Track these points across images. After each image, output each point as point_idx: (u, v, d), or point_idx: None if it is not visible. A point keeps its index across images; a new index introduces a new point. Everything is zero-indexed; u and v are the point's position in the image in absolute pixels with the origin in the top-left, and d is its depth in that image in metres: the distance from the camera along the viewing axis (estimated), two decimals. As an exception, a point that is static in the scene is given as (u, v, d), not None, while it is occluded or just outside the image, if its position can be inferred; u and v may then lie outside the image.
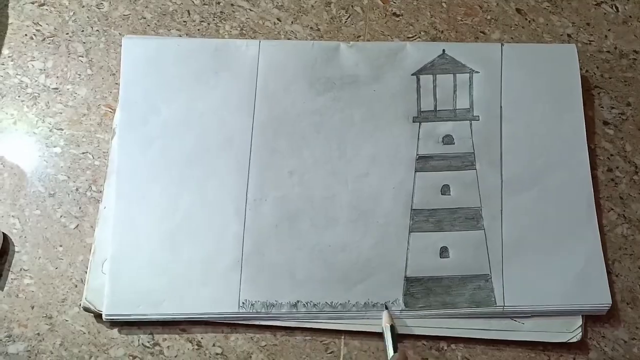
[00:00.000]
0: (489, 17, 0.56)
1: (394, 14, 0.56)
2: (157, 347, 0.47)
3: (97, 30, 0.55)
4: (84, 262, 0.49)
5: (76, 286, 0.48)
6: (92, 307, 0.47)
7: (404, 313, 0.47)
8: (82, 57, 0.55)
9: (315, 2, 0.57)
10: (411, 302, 0.47)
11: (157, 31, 0.55)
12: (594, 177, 0.51)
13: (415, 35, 0.56)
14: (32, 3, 0.56)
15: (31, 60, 0.54)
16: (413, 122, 0.51)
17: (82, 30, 0.55)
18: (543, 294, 0.47)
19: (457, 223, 0.49)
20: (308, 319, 0.47)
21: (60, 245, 0.49)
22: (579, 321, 0.47)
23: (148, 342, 0.47)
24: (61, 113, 0.53)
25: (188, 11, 0.56)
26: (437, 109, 0.52)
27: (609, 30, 0.57)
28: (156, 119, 0.51)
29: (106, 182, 0.50)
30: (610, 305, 0.47)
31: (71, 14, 0.56)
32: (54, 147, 0.52)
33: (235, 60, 0.52)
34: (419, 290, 0.48)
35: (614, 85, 0.55)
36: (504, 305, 0.47)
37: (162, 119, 0.51)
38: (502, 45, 0.53)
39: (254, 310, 0.47)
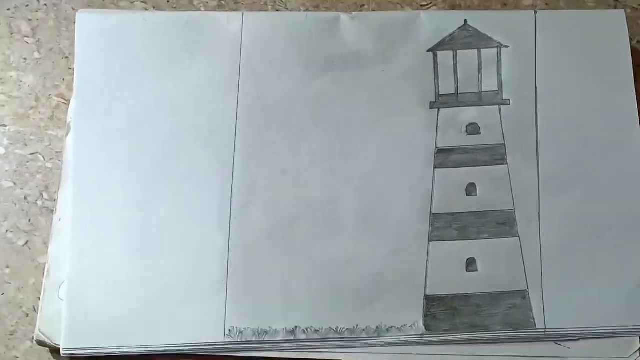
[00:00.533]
0: (518, -21, 0.56)
1: (404, -23, 0.57)
2: (127, 387, 0.47)
3: (45, 4, 0.55)
4: (36, 286, 0.49)
5: (27, 315, 0.48)
6: (47, 341, 0.47)
7: (425, 338, 0.47)
8: (28, 37, 0.55)
9: (309, -36, 0.56)
10: (433, 325, 0.47)
11: (118, 4, 0.55)
12: (650, 171, 0.51)
13: (431, 3, 0.56)
14: (-34, -28, 0.56)
15: (-35, 43, 0.54)
16: (430, 108, 0.51)
17: (27, 5, 0.55)
18: (592, 312, 0.47)
19: (486, 229, 0.49)
20: (309, 348, 0.47)
21: (7, 267, 0.50)
22: (637, 344, 0.47)
23: (116, 381, 0.47)
24: (3, 106, 0.53)
25: (155, -21, 0.56)
26: (459, 92, 0.51)
27: (663, -8, 0.56)
28: (120, 110, 0.51)
29: (61, 189, 0.50)
30: (672, 325, 0.47)
31: (13, -16, 0.56)
32: (-3, 147, 0.52)
33: (214, 36, 0.52)
34: (442, 310, 0.48)
35: (670, 58, 0.54)
36: (546, 328, 0.47)
37: (127, 110, 0.51)
38: (536, 12, 0.53)
39: (243, 340, 0.47)
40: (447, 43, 0.52)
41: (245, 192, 0.49)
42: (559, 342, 0.47)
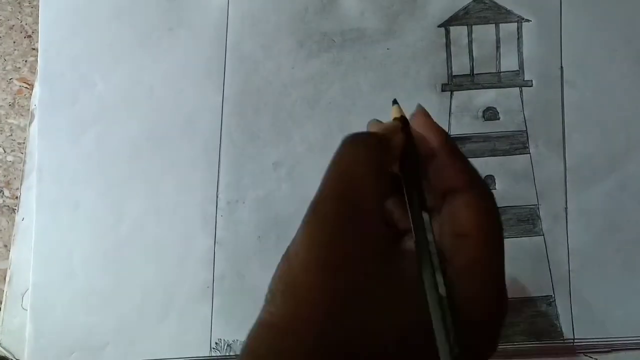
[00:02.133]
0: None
1: (412, -56, 0.56)
2: (100, 409, 0.47)
3: (5, -24, 0.55)
4: (-4, 294, 0.49)
5: (-14, 328, 0.48)
6: (9, 356, 0.47)
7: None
8: (-14, 13, 0.54)
9: None
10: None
11: (88, -25, 0.55)
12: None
13: (442, -27, 0.55)
14: None
15: None
16: (442, 90, 0.51)
17: (-15, -23, 0.55)
18: (625, 321, 0.47)
19: (506, 227, 0.49)
20: (306, 363, 0.47)
21: (-37, 273, 0.49)
22: (676, 356, 0.47)
23: (87, 402, 0.47)
24: (-41, 91, 0.53)
25: (130, -53, 0.55)
26: (475, 73, 0.51)
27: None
28: (90, 96, 0.51)
29: (24, 185, 0.50)
30: None
31: (-31, -46, 0.55)
32: (-49, 137, 0.52)
33: (196, 12, 0.52)
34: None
35: None
36: (574, 338, 0.47)
37: (98, 96, 0.51)
38: (561, -18, 0.53)
39: (231, 354, 0.47)
40: (460, 17, 0.52)
41: (233, 188, 0.50)
42: (588, 354, 0.47)
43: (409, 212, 0.31)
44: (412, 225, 0.31)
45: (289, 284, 0.29)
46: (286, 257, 0.30)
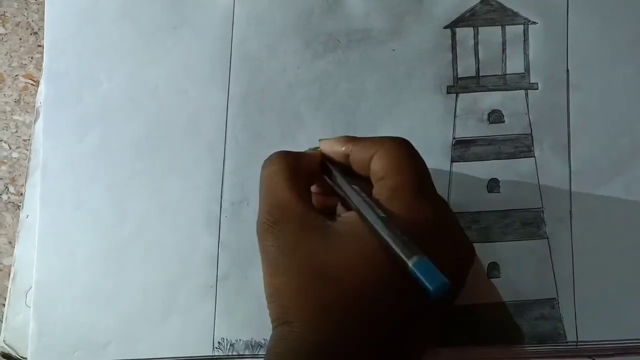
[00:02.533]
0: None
1: (419, -55, 0.56)
2: (102, 407, 0.47)
3: (12, -27, 0.55)
4: (0, 291, 0.49)
5: (-10, 325, 0.48)
6: (12, 353, 0.47)
7: (441, 353, 0.47)
8: (-8, 10, 0.55)
9: None
10: (452, 336, 0.47)
11: (95, -26, 0.55)
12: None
13: (448, -26, 0.55)
14: None
15: None
16: (447, 93, 0.51)
17: (-9, -26, 0.56)
18: (629, 324, 0.47)
19: (511, 230, 0.49)
20: (308, 363, 0.47)
21: (-33, 270, 0.49)
22: (681, 361, 0.47)
23: (90, 400, 0.47)
24: (-36, 88, 0.53)
25: (136, -54, 0.55)
26: (480, 75, 0.51)
27: None
28: (95, 95, 0.51)
29: (28, 182, 0.50)
30: None
31: (-25, -49, 0.56)
32: (-44, 134, 0.52)
33: (202, 11, 0.52)
34: (461, 322, 0.47)
35: None
36: (578, 341, 0.47)
37: (103, 95, 0.51)
38: (568, -16, 0.53)
39: (234, 353, 0.47)
40: (466, 19, 0.52)
41: (237, 188, 0.49)
42: (592, 357, 0.47)
43: (339, 192, 0.41)
44: (341, 191, 0.40)
45: (269, 295, 0.38)
46: (263, 276, 0.39)
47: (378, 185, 0.39)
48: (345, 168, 0.42)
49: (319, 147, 0.44)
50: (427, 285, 0.33)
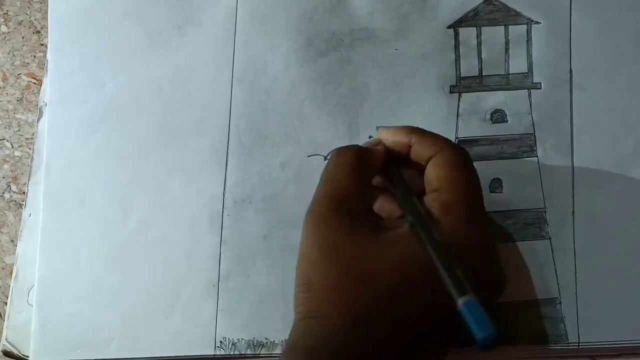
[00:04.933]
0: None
1: (422, -56, 0.56)
2: (104, 406, 0.47)
3: (15, -28, 0.56)
4: (2, 289, 0.49)
5: (-8, 323, 0.49)
6: (14, 351, 0.47)
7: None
8: (-4, 9, 0.55)
9: None
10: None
11: (98, -27, 0.55)
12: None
13: (452, -26, 0.55)
14: None
15: None
16: (450, 92, 0.51)
17: (-5, -27, 0.56)
18: (631, 325, 0.47)
19: (513, 231, 0.49)
20: (310, 363, 0.47)
21: (-30, 268, 0.49)
22: (683, 362, 0.47)
23: (92, 398, 0.47)
24: (-33, 86, 0.53)
25: (140, -56, 0.55)
26: (483, 75, 0.51)
27: None
28: (99, 95, 0.51)
29: (31, 181, 0.50)
30: None
31: (-21, -50, 0.56)
32: (-41, 133, 0.52)
33: (205, 11, 0.52)
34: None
35: None
36: (579, 342, 0.47)
37: (107, 95, 0.51)
38: (571, -16, 0.53)
39: (235, 353, 0.47)
40: (469, 19, 0.52)
41: (240, 187, 0.49)
42: (594, 358, 0.47)
43: (396, 195, 0.40)
44: (401, 202, 0.39)
45: (303, 283, 0.38)
46: (299, 258, 0.39)
47: (431, 196, 0.39)
48: (406, 159, 0.41)
49: (375, 137, 0.44)
50: (476, 332, 0.34)
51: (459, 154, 0.40)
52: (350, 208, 0.38)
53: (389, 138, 0.42)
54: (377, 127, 0.43)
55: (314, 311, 0.37)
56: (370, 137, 0.44)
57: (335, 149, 0.42)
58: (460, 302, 0.34)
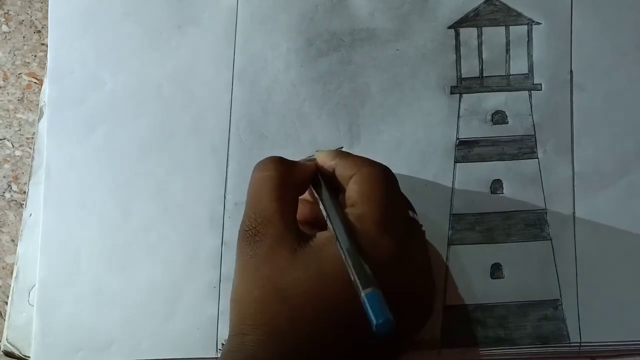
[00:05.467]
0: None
1: (423, -56, 0.56)
2: (105, 407, 0.47)
3: (15, -29, 0.55)
4: (2, 289, 0.49)
5: (-7, 323, 0.48)
6: (15, 351, 0.47)
7: (443, 354, 0.47)
8: (-5, 9, 0.55)
9: None
10: (453, 338, 0.47)
11: (98, -27, 0.55)
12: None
13: (452, -26, 0.55)
14: None
15: None
16: (451, 93, 0.51)
17: (-5, -28, 0.56)
18: (632, 325, 0.47)
19: (514, 232, 0.49)
20: (312, 364, 0.47)
21: (-30, 268, 0.49)
22: (683, 362, 0.47)
23: (93, 399, 0.47)
24: (-33, 86, 0.53)
25: (140, -56, 0.55)
26: (484, 75, 0.51)
27: None
28: (99, 95, 0.51)
29: (32, 181, 0.50)
30: None
31: (-22, -51, 0.56)
32: (-41, 133, 0.52)
33: (206, 10, 0.52)
34: (464, 322, 0.47)
35: None
36: (581, 342, 0.47)
37: (107, 95, 0.51)
38: (572, -15, 0.52)
39: (237, 354, 0.47)
40: (470, 19, 0.52)
41: (241, 188, 0.49)
42: (595, 359, 0.47)
43: (321, 205, 0.40)
44: (324, 212, 0.40)
45: (232, 300, 0.39)
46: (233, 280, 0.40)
47: (348, 211, 0.39)
48: (334, 182, 0.42)
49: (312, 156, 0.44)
50: (372, 318, 0.34)
51: (377, 171, 0.41)
52: (273, 226, 0.38)
53: (319, 160, 0.43)
54: (315, 151, 0.44)
55: (236, 329, 0.38)
56: (312, 155, 0.45)
57: (259, 161, 0.42)
58: (363, 294, 0.34)
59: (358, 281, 0.35)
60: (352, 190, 0.40)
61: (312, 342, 0.36)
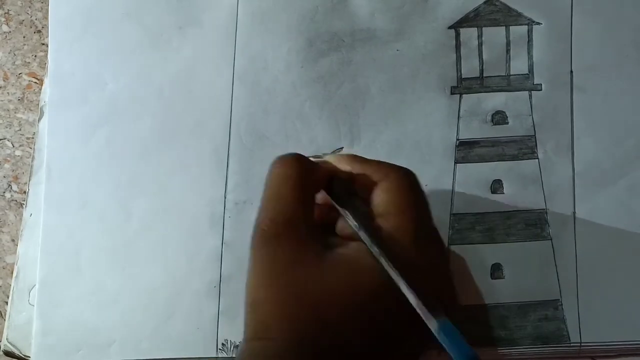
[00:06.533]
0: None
1: (423, -55, 0.56)
2: (105, 407, 0.47)
3: (16, -29, 0.55)
4: (3, 289, 0.49)
5: (-7, 323, 0.48)
6: (15, 351, 0.47)
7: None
8: (-4, 8, 0.55)
9: None
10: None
11: (99, -27, 0.55)
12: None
13: (452, -26, 0.55)
14: None
15: None
16: (451, 93, 0.51)
17: (-5, -28, 0.55)
18: (632, 325, 0.47)
19: (514, 232, 0.49)
20: (313, 364, 0.47)
21: (-29, 268, 0.49)
22: (683, 362, 0.47)
23: (93, 399, 0.47)
24: (-32, 86, 0.53)
25: (140, -56, 0.55)
26: (484, 76, 0.51)
27: None
28: (100, 95, 0.51)
29: (32, 180, 0.50)
30: None
31: (-21, -51, 0.56)
32: (-41, 133, 0.52)
33: (206, 11, 0.52)
34: (464, 322, 0.46)
35: None
36: (581, 342, 0.47)
37: (108, 95, 0.51)
38: (572, -15, 0.52)
39: (237, 354, 0.47)
40: (470, 19, 0.52)
41: (241, 188, 0.49)
42: (595, 359, 0.47)
43: (345, 213, 0.38)
44: (352, 221, 0.38)
45: (250, 303, 0.36)
46: (247, 276, 0.37)
47: (380, 222, 0.38)
48: (349, 186, 0.40)
49: (321, 157, 0.43)
50: (454, 354, 0.33)
51: (405, 177, 0.39)
52: (296, 229, 0.37)
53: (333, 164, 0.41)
54: (323, 154, 0.43)
55: (259, 333, 0.35)
56: (315, 156, 0.43)
57: (277, 157, 0.39)
58: (436, 325, 0.33)
59: (425, 309, 0.34)
60: (382, 199, 0.38)
61: (340, 352, 0.35)
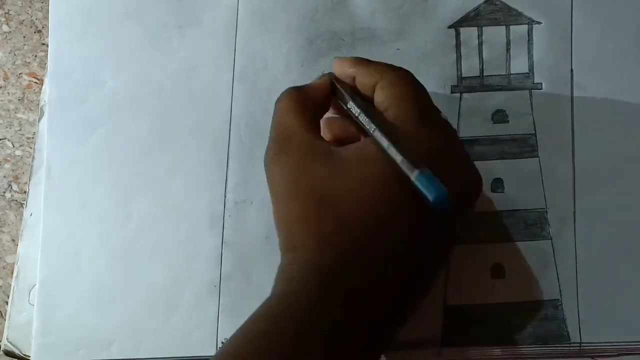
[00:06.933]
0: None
1: (423, -56, 0.55)
2: (105, 406, 0.47)
3: (16, -29, 0.55)
4: (3, 288, 0.49)
5: (-7, 323, 0.48)
6: (15, 351, 0.47)
7: (443, 353, 0.47)
8: (-4, 8, 0.55)
9: None
10: (453, 338, 0.47)
11: (99, -27, 0.55)
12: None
13: (453, -26, 0.55)
14: None
15: None
16: (451, 92, 0.51)
17: (-5, -28, 0.55)
18: (632, 325, 0.47)
19: (514, 231, 0.49)
20: (312, 363, 0.47)
21: (-29, 268, 0.49)
22: (684, 362, 0.47)
23: (93, 399, 0.47)
24: (-32, 86, 0.53)
25: (140, -56, 0.55)
26: (484, 75, 0.51)
27: None
28: (100, 95, 0.51)
29: (32, 180, 0.50)
30: None
31: (-21, -51, 0.56)
32: (-41, 132, 0.52)
33: (206, 11, 0.52)
34: (464, 322, 0.47)
35: None
36: (581, 342, 0.47)
37: (108, 95, 0.51)
38: (573, -16, 0.52)
39: (237, 353, 0.46)
40: (471, 18, 0.52)
41: (241, 188, 0.49)
42: (595, 358, 0.47)
43: (349, 110, 0.41)
44: (354, 114, 0.40)
45: (276, 223, 0.38)
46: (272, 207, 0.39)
47: (382, 116, 0.40)
48: (355, 90, 0.42)
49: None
50: (427, 195, 0.34)
51: (402, 74, 0.41)
52: (298, 142, 0.39)
53: (338, 69, 0.43)
54: (334, 57, 0.44)
55: (288, 245, 0.37)
56: (323, 72, 0.45)
57: (280, 95, 0.42)
58: (413, 176, 0.35)
59: (406, 164, 0.35)
60: (382, 95, 0.40)
61: (362, 245, 0.36)
